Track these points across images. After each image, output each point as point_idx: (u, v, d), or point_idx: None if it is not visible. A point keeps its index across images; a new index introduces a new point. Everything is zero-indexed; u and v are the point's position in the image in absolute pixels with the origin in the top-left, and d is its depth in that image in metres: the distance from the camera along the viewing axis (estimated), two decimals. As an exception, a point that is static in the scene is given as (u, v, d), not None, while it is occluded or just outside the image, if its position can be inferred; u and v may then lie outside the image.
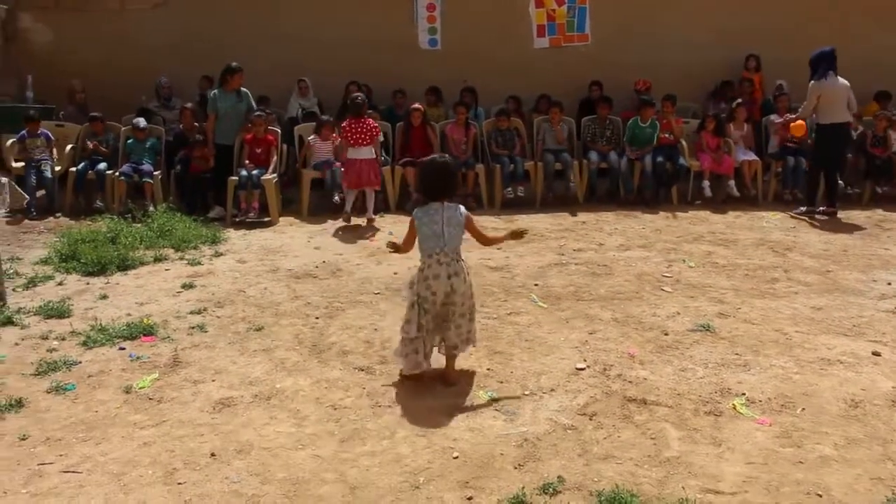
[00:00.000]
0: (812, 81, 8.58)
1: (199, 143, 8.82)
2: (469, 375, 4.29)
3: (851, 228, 8.20)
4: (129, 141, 9.05)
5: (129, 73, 10.22)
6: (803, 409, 3.89)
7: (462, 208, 4.21)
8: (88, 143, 9.15)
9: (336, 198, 8.63)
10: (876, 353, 4.60)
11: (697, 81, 10.91)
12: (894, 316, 5.30)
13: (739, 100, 10.19)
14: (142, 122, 9.09)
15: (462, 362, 4.43)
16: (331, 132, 8.98)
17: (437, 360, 4.29)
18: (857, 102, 8.89)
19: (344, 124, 8.39)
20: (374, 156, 8.34)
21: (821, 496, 3.11)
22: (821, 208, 8.72)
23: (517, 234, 4.42)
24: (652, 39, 10.84)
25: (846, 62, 10.49)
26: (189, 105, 9.35)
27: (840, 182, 9.58)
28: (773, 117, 10.07)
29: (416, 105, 9.46)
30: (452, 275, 4.05)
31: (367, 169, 8.25)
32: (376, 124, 8.55)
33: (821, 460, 3.40)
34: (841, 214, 8.83)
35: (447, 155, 5.08)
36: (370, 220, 8.18)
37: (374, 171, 8.32)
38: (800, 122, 8.71)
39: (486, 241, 4.48)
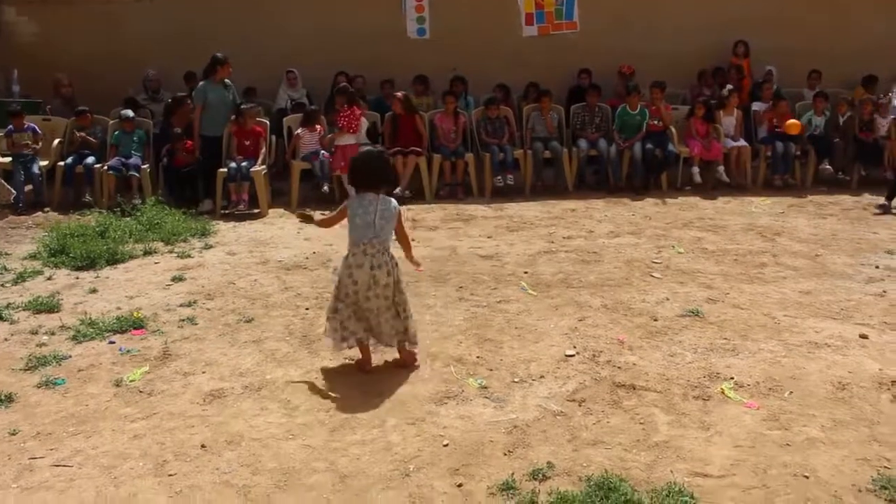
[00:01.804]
0: None
1: (179, 136, 8.79)
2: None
3: (840, 213, 8.23)
4: (117, 133, 9.01)
5: (116, 66, 10.17)
6: (791, 392, 3.92)
7: (395, 203, 4.27)
8: (77, 133, 9.08)
9: (325, 188, 8.65)
10: (863, 336, 4.63)
11: (687, 68, 10.88)
12: (882, 299, 5.34)
13: (730, 86, 10.19)
14: (129, 112, 9.04)
15: (452, 350, 4.46)
16: (317, 121, 9.02)
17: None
18: (848, 88, 8.90)
19: (346, 112, 8.84)
20: (358, 141, 8.80)
21: (808, 477, 3.14)
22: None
23: (411, 258, 4.51)
24: (641, 26, 10.84)
25: (837, 48, 10.58)
26: (189, 100, 9.17)
27: (829, 168, 9.65)
28: (759, 105, 10.09)
29: (396, 94, 9.44)
30: (375, 266, 4.09)
31: (355, 153, 8.62)
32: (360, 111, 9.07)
33: (808, 442, 3.42)
34: (829, 199, 8.89)
35: (380, 146, 5.15)
36: None
37: None
38: (794, 121, 8.81)
39: (403, 240, 4.44)
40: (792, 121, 9.11)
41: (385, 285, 4.13)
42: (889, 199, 8.30)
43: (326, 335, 4.26)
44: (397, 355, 4.33)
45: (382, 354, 4.36)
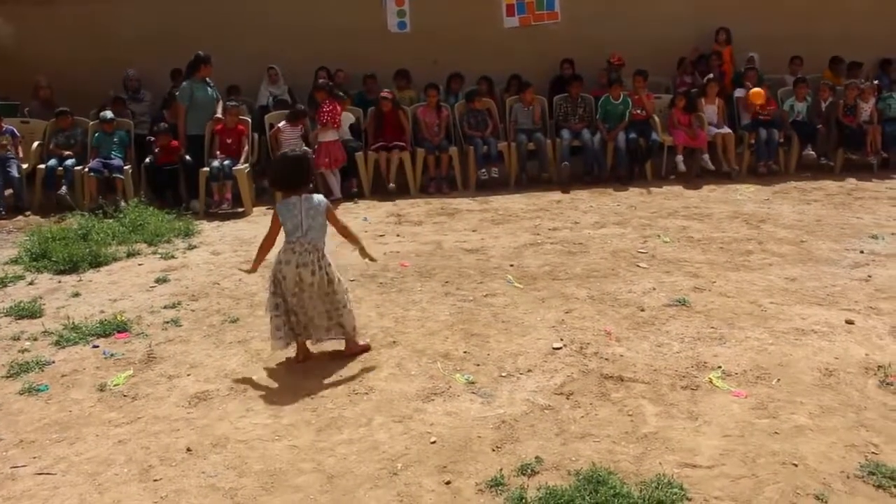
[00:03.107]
0: None
1: (164, 131, 8.70)
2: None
3: (824, 198, 8.25)
4: (97, 134, 8.91)
5: (95, 67, 10.05)
6: (778, 379, 3.92)
7: (322, 199, 4.31)
8: (55, 149, 8.95)
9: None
10: (849, 322, 4.64)
11: (670, 56, 10.87)
12: (867, 284, 5.35)
13: (710, 75, 10.20)
14: (108, 114, 8.93)
15: (438, 345, 4.43)
16: (302, 118, 8.97)
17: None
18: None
19: (328, 108, 8.84)
20: (340, 137, 9.15)
21: (796, 465, 3.13)
22: None
23: (365, 254, 4.58)
24: (623, 15, 10.80)
25: (818, 33, 10.57)
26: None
27: (812, 153, 9.67)
28: (742, 92, 10.09)
29: (384, 94, 9.38)
30: (301, 265, 4.14)
31: (338, 149, 8.93)
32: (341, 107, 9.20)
33: (796, 430, 3.42)
34: (814, 184, 8.92)
35: (298, 149, 5.22)
36: (338, 200, 8.57)
37: (341, 150, 8.98)
38: (756, 90, 9.07)
39: (344, 231, 4.48)
40: (754, 90, 9.43)
41: (310, 284, 4.17)
42: None
43: (272, 336, 4.29)
44: (341, 347, 4.41)
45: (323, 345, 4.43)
